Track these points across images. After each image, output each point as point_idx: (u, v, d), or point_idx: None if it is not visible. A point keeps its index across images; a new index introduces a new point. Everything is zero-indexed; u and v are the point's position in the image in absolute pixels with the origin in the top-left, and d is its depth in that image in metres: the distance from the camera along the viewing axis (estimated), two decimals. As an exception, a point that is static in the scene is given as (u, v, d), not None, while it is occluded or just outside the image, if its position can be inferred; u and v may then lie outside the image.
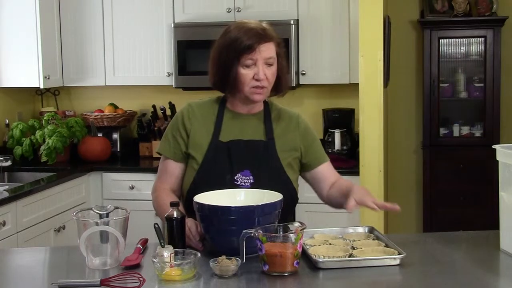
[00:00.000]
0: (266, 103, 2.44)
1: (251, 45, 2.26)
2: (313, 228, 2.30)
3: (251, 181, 2.30)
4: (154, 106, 4.72)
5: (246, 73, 2.29)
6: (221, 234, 2.06)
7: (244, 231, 1.95)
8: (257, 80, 2.28)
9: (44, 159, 4.40)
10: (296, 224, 2.01)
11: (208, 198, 2.15)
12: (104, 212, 2.07)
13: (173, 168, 2.41)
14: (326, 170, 2.46)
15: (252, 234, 1.94)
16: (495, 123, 4.72)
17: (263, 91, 2.32)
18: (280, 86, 2.38)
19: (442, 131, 4.84)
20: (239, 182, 2.30)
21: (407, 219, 5.05)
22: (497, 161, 2.18)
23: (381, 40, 3.97)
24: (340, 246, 2.12)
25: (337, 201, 2.35)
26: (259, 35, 2.27)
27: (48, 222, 3.88)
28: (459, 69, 4.86)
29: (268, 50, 2.29)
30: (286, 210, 2.24)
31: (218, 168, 2.32)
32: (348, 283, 1.96)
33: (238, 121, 2.39)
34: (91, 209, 2.10)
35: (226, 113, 2.40)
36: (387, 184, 4.70)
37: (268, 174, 2.32)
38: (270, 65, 2.30)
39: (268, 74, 2.30)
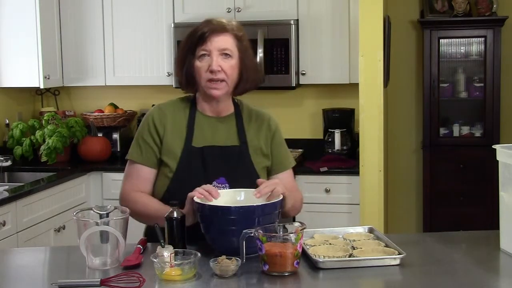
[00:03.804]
0: (236, 104, 2.39)
1: (202, 35, 2.23)
2: (313, 228, 2.30)
3: (227, 189, 2.26)
4: (154, 106, 4.71)
5: (201, 65, 2.24)
6: (221, 234, 2.06)
7: (244, 231, 1.95)
8: (211, 72, 2.23)
9: (44, 159, 4.40)
10: (296, 224, 2.01)
11: (208, 198, 2.15)
12: (104, 212, 2.07)
13: (146, 173, 2.34)
14: (285, 179, 2.37)
15: (252, 234, 1.94)
16: (495, 123, 4.71)
17: (220, 86, 2.25)
18: (242, 83, 2.30)
19: (442, 131, 4.84)
20: None
21: (407, 219, 5.05)
22: (497, 161, 2.18)
23: (381, 40, 3.97)
24: (340, 246, 2.12)
25: None
26: (213, 27, 2.24)
27: (48, 222, 3.88)
28: (459, 69, 4.86)
29: (222, 41, 2.23)
30: None
31: (193, 175, 2.26)
32: (348, 283, 1.96)
33: (210, 125, 2.33)
34: (91, 209, 2.10)
35: (197, 116, 2.34)
36: (387, 184, 4.70)
37: (243, 180, 2.26)
38: (227, 56, 2.24)
39: (224, 66, 2.23)
